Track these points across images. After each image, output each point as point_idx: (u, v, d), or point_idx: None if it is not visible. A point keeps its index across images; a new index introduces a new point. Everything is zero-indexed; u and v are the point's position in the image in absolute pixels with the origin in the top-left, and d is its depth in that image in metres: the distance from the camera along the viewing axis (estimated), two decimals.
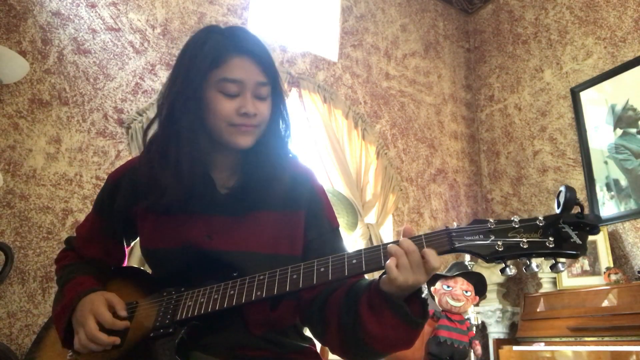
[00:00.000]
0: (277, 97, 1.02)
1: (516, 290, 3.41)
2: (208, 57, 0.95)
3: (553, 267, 0.76)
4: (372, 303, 0.86)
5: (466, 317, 1.97)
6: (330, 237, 1.05)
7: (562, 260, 0.77)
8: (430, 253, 0.80)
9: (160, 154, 0.98)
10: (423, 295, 0.86)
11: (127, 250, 1.18)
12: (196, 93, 0.95)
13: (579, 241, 0.74)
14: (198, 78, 0.95)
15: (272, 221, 1.01)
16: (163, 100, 1.00)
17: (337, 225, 1.10)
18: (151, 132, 1.05)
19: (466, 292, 1.92)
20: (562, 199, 0.75)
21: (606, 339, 2.34)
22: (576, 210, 0.76)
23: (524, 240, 0.76)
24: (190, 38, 1.02)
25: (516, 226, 0.78)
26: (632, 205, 2.90)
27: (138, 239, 1.11)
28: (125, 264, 1.19)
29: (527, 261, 0.78)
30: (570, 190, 0.74)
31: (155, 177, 0.97)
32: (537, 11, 3.79)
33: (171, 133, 0.97)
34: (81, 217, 2.34)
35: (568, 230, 0.75)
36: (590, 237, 2.79)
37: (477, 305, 2.82)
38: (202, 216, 1.00)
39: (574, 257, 0.74)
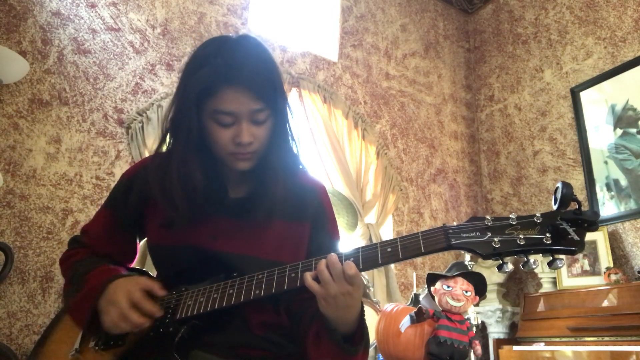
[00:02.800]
0: (279, 114, 1.00)
1: (516, 290, 3.41)
2: (198, 88, 0.93)
3: (551, 264, 0.76)
4: (318, 327, 0.91)
5: (466, 317, 1.96)
6: (328, 248, 1.07)
7: (560, 256, 0.76)
8: (347, 263, 0.83)
9: (174, 172, 1.00)
10: (363, 323, 0.90)
11: (138, 248, 1.18)
12: (192, 121, 0.95)
13: (576, 237, 0.73)
14: (193, 107, 0.95)
15: (278, 229, 1.03)
16: (167, 123, 1.02)
17: (338, 240, 1.12)
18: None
19: (466, 292, 1.91)
20: (558, 195, 0.74)
21: (606, 339, 2.34)
22: (574, 206, 0.75)
23: (521, 236, 0.76)
24: (190, 57, 1.00)
25: (513, 223, 0.78)
26: (632, 205, 2.89)
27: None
28: (134, 262, 1.19)
29: (525, 258, 0.77)
30: (566, 186, 0.73)
31: (170, 194, 0.99)
32: (537, 11, 3.79)
33: (178, 156, 0.99)
34: (81, 217, 2.34)
35: (566, 226, 0.74)
36: (590, 237, 2.76)
37: (477, 305, 2.82)
38: (211, 218, 1.02)
39: (572, 253, 0.74)
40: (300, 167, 1.11)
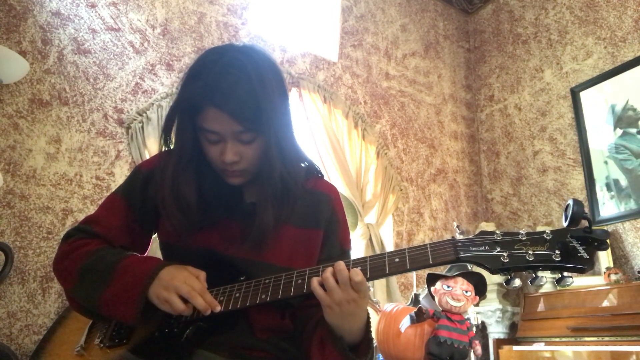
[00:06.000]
0: (271, 134, 0.95)
1: (516, 290, 3.41)
2: (188, 103, 0.93)
3: (560, 281, 0.75)
4: (323, 334, 0.92)
5: (466, 317, 1.97)
6: (338, 257, 1.05)
7: (569, 273, 0.76)
8: (354, 270, 0.83)
9: (167, 190, 1.00)
10: (369, 334, 0.90)
11: (151, 242, 1.16)
12: (184, 134, 0.97)
13: (586, 256, 0.73)
14: (186, 120, 0.95)
15: (291, 236, 1.03)
16: (161, 130, 1.03)
17: (349, 248, 1.12)
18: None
19: (466, 292, 1.92)
20: (569, 213, 0.73)
21: (606, 339, 2.34)
22: (584, 224, 0.75)
23: (530, 252, 0.76)
24: (191, 65, 0.97)
25: (523, 239, 0.77)
26: (632, 205, 2.90)
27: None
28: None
29: (533, 274, 0.77)
30: (577, 203, 0.73)
31: (166, 211, 0.99)
32: (537, 11, 3.79)
33: (170, 173, 0.99)
34: (81, 217, 2.33)
35: (575, 244, 0.74)
36: None
37: (477, 305, 2.82)
38: (225, 221, 1.02)
39: (581, 271, 0.73)
40: (319, 174, 1.12)
